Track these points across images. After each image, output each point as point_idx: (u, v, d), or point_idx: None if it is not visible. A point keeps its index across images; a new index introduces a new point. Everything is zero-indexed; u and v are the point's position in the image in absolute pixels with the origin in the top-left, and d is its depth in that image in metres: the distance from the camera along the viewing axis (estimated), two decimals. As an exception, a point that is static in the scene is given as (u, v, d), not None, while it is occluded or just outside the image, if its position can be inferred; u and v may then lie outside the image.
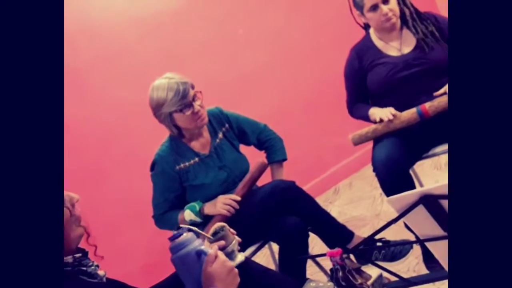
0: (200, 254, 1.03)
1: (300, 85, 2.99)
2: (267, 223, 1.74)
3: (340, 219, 2.13)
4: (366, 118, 1.96)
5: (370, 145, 1.96)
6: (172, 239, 1.04)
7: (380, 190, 1.85)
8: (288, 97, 2.97)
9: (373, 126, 1.88)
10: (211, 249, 1.05)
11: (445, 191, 0.81)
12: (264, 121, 2.06)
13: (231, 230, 1.24)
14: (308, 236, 1.75)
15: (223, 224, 1.22)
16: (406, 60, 1.86)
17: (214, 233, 1.17)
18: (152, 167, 1.83)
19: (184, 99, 1.70)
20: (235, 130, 1.94)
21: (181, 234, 1.04)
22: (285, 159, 2.01)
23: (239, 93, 2.83)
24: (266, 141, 2.01)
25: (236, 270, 1.06)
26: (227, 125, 1.93)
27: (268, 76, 2.93)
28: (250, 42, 2.88)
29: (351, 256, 1.70)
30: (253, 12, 2.89)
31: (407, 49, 1.89)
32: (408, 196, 0.80)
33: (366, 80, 1.95)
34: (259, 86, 2.91)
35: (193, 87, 1.75)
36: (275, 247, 1.83)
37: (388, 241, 1.89)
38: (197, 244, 1.05)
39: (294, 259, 1.68)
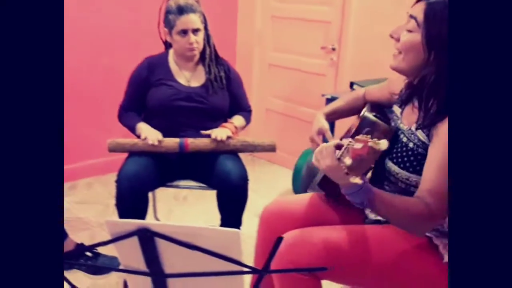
0: None
1: (87, 72, 2.76)
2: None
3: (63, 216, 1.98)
4: (132, 130, 1.93)
5: (125, 154, 1.91)
6: None
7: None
8: (75, 80, 2.67)
9: (135, 140, 1.85)
10: None
11: (164, 230, 0.82)
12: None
13: None
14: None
15: None
16: (189, 93, 1.92)
17: None
18: None
19: None
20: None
21: None
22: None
23: None
24: None
25: None
26: None
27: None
28: None
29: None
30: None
31: (195, 83, 1.96)
32: (126, 225, 0.78)
33: (148, 93, 1.93)
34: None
35: None
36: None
37: (98, 254, 1.83)
38: None
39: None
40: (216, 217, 1.93)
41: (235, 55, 3.48)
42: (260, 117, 3.39)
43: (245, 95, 2.12)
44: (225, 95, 2.00)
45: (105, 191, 2.77)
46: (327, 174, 1.07)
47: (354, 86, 2.36)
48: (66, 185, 2.83)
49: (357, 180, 0.94)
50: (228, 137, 1.87)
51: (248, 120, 2.11)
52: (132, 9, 2.86)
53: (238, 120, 2.03)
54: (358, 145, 0.94)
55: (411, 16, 1.15)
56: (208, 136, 1.87)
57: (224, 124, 1.96)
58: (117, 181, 1.77)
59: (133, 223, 0.78)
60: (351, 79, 2.53)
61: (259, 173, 3.20)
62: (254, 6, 3.28)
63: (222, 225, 1.94)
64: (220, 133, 1.86)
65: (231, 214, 1.90)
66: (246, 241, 1.96)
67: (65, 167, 2.84)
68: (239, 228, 1.94)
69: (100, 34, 2.78)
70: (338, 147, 1.03)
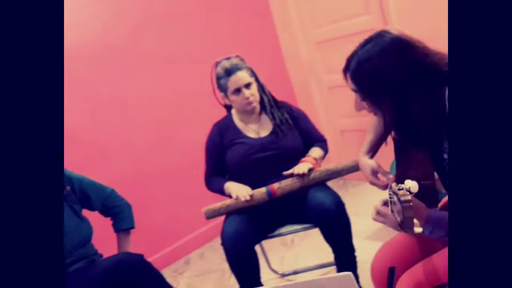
0: None
1: (160, 151, 2.96)
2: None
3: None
4: (221, 192, 2.02)
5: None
6: None
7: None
8: (146, 161, 2.88)
9: (226, 202, 1.93)
10: None
11: None
12: (118, 185, 1.98)
13: None
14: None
15: None
16: (262, 143, 1.99)
17: None
18: None
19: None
20: (77, 194, 1.81)
21: None
22: (132, 228, 1.92)
23: (95, 151, 2.69)
24: (113, 207, 1.91)
25: None
26: (68, 188, 1.78)
27: (128, 138, 2.83)
28: (115, 101, 2.79)
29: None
30: (124, 72, 2.83)
31: (264, 132, 2.03)
32: None
33: (225, 156, 2.03)
34: (117, 147, 2.78)
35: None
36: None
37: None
38: None
39: None
40: (328, 250, 1.92)
41: (293, 92, 3.55)
42: (336, 141, 3.37)
43: (314, 127, 2.14)
44: (296, 135, 2.04)
45: (216, 257, 2.87)
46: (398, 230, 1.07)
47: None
48: (181, 261, 2.98)
49: (418, 229, 0.92)
50: (310, 169, 1.89)
51: (325, 149, 2.12)
52: (187, 82, 3.05)
53: (315, 151, 2.05)
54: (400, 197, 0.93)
55: (353, 90, 1.24)
56: (291, 175, 1.91)
57: (302, 159, 1.98)
58: (222, 244, 1.84)
59: None
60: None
61: (355, 194, 3.14)
62: (297, 43, 3.35)
63: (336, 257, 1.91)
64: (300, 168, 1.89)
65: (341, 243, 1.88)
66: (361, 267, 1.93)
67: (175, 244, 3.01)
68: (353, 255, 1.91)
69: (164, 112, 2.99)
70: (385, 203, 1.06)
